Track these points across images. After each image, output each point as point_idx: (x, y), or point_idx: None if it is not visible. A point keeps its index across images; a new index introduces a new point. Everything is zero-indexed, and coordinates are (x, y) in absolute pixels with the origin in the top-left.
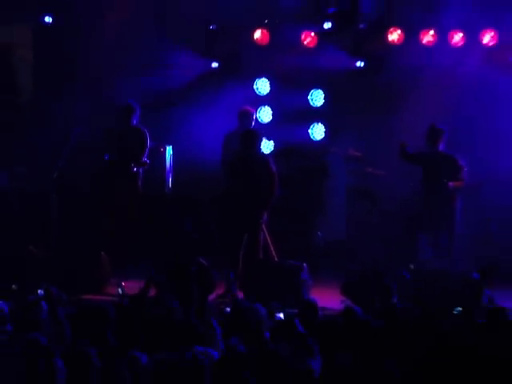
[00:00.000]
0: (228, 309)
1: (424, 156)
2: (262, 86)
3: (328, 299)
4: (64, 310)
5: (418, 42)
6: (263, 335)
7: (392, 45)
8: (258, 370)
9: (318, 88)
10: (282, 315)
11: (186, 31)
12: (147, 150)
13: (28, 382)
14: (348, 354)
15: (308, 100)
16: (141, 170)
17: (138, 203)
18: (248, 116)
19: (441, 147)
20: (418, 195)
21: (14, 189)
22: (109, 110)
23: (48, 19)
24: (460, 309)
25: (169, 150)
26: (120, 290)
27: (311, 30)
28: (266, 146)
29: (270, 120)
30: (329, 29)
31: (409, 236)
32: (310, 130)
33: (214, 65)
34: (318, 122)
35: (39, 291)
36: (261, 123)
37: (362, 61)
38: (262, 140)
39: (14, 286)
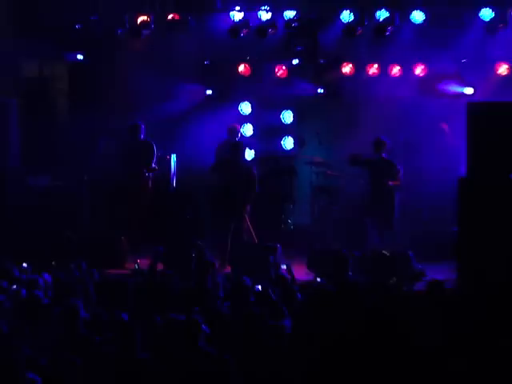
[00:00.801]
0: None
1: (370, 161)
2: (245, 108)
3: (296, 272)
4: (92, 281)
5: (365, 73)
6: (249, 300)
7: (345, 76)
8: (244, 327)
9: (288, 109)
10: (259, 287)
11: (187, 66)
12: (155, 157)
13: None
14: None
15: (280, 118)
16: (151, 174)
17: (149, 199)
18: (235, 131)
19: (384, 154)
20: (366, 191)
21: (54, 186)
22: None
23: (80, 57)
24: (395, 279)
25: (173, 157)
26: (136, 266)
27: (283, 64)
28: (249, 154)
29: (251, 134)
30: (296, 64)
31: (358, 223)
32: (282, 142)
33: (209, 92)
34: (288, 136)
35: (71, 265)
36: (244, 136)
37: (322, 88)
38: (245, 149)
39: (53, 263)
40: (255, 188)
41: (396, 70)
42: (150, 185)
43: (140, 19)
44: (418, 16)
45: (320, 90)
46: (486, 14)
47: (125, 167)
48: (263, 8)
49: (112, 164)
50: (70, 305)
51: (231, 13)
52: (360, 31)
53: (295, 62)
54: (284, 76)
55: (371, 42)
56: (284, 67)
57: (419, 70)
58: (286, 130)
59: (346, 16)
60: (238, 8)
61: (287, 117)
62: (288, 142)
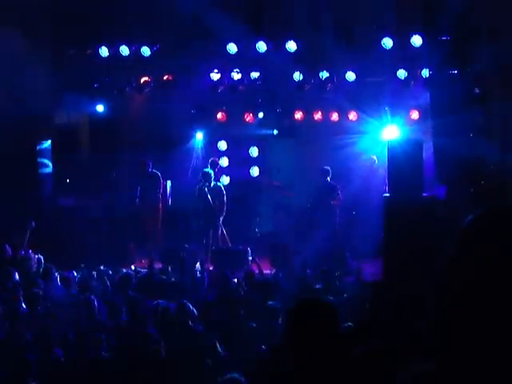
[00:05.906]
0: None
1: (318, 185)
2: (222, 145)
3: (263, 268)
4: (108, 276)
5: (312, 118)
6: (231, 287)
7: (297, 120)
8: (228, 307)
9: (254, 146)
10: (236, 280)
11: (179, 114)
12: (161, 183)
13: None
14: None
15: (249, 152)
16: (160, 195)
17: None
18: (215, 163)
19: (327, 179)
20: (314, 207)
21: (78, 206)
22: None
23: (99, 108)
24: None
25: (169, 183)
26: (133, 267)
27: (250, 112)
28: (224, 181)
29: (227, 165)
30: (262, 117)
31: (304, 229)
32: (250, 170)
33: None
34: (255, 165)
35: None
36: (222, 166)
37: (278, 130)
38: (212, 178)
39: (82, 265)
40: (224, 205)
41: (335, 115)
42: (159, 203)
43: (143, 79)
44: (350, 75)
45: (275, 132)
46: (401, 73)
47: (141, 191)
48: (235, 70)
49: (126, 189)
50: (86, 297)
51: (211, 74)
52: (308, 87)
53: (261, 115)
54: (251, 121)
55: (316, 95)
56: (251, 114)
57: (352, 116)
58: (253, 161)
59: (297, 76)
60: (216, 70)
61: (254, 151)
62: (254, 171)
